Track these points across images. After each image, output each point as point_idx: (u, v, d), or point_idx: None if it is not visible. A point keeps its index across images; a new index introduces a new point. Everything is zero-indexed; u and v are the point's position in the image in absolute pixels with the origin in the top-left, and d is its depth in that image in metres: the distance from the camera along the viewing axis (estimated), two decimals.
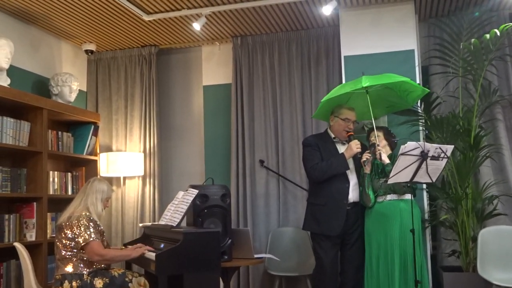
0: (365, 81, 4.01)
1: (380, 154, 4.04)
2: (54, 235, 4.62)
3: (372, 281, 4.05)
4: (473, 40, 4.33)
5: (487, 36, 4.32)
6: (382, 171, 4.09)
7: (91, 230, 3.67)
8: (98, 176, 5.24)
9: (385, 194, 4.07)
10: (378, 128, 4.27)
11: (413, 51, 4.76)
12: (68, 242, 3.69)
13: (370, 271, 4.09)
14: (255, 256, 4.16)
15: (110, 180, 5.67)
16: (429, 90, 4.41)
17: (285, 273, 4.90)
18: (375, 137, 4.15)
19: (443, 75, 4.89)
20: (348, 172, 4.15)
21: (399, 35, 4.80)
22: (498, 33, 4.28)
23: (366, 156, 4.05)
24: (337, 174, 4.11)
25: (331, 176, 4.11)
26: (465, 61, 4.54)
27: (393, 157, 4.11)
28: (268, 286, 5.21)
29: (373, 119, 4.14)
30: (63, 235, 3.70)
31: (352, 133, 4.16)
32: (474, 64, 4.50)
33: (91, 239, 3.64)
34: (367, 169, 4.08)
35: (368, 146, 4.27)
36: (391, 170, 3.71)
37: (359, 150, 4.05)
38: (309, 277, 4.76)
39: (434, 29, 5.12)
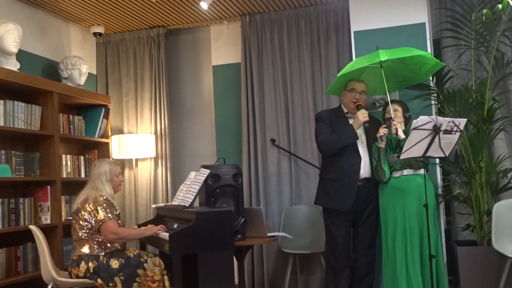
0: (383, 55, 3.95)
1: (396, 129, 4.00)
2: (69, 217, 4.67)
3: (388, 258, 4.01)
4: (485, 10, 4.24)
5: (500, 6, 4.22)
6: (396, 146, 4.06)
7: (108, 210, 3.73)
8: (110, 158, 5.27)
9: (402, 169, 4.03)
10: (398, 103, 4.23)
11: (424, 24, 4.67)
12: (85, 223, 3.74)
13: (386, 249, 4.05)
14: (269, 234, 4.17)
15: (122, 162, 5.70)
16: (444, 64, 4.34)
17: (299, 251, 4.91)
18: (392, 111, 4.10)
19: (455, 48, 4.80)
20: (359, 147, 4.14)
21: (410, 8, 4.71)
22: (511, 3, 4.19)
23: (382, 131, 4.02)
24: (347, 145, 4.10)
25: (341, 147, 4.10)
26: (478, 33, 4.46)
27: (406, 132, 4.07)
28: (282, 264, 5.23)
29: (387, 93, 4.10)
30: (80, 216, 3.76)
31: (360, 103, 4.13)
32: (486, 36, 4.42)
33: (107, 218, 3.70)
34: (383, 144, 4.04)
35: (383, 120, 4.24)
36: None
37: (366, 119, 4.03)
38: (323, 255, 4.76)
39: (445, 1, 5.02)
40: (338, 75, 4.22)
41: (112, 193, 3.93)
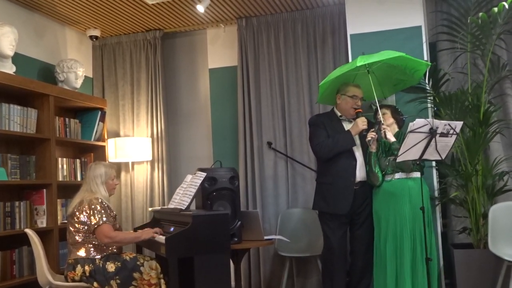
0: (360, 61, 3.95)
1: (385, 132, 4.01)
2: (65, 221, 4.65)
3: (381, 262, 4.02)
4: (481, 14, 4.26)
5: (495, 9, 4.24)
6: (389, 149, 4.07)
7: (103, 213, 3.72)
8: (106, 161, 5.26)
9: (393, 172, 4.04)
10: (386, 106, 4.26)
11: (420, 27, 4.68)
12: (81, 226, 3.73)
13: (378, 252, 4.06)
14: (265, 237, 4.17)
15: (118, 166, 5.68)
16: (430, 64, 4.36)
17: (296, 254, 4.91)
18: (381, 115, 4.12)
19: (451, 51, 4.83)
20: (355, 150, 4.14)
21: (406, 12, 4.72)
22: (507, 6, 4.20)
23: (370, 135, 4.02)
24: (343, 151, 4.09)
25: (338, 153, 4.10)
26: (473, 36, 4.48)
27: (400, 135, 4.08)
28: (278, 267, 5.22)
29: (376, 97, 4.11)
30: (76, 219, 3.74)
31: (360, 110, 4.13)
32: (482, 39, 4.43)
33: (102, 222, 3.69)
34: (373, 148, 4.05)
35: (374, 124, 4.25)
36: (397, 148, 3.68)
37: (365, 127, 4.03)
38: (320, 258, 4.76)
39: (441, 4, 5.04)
40: (320, 84, 4.23)
41: (107, 195, 3.92)
